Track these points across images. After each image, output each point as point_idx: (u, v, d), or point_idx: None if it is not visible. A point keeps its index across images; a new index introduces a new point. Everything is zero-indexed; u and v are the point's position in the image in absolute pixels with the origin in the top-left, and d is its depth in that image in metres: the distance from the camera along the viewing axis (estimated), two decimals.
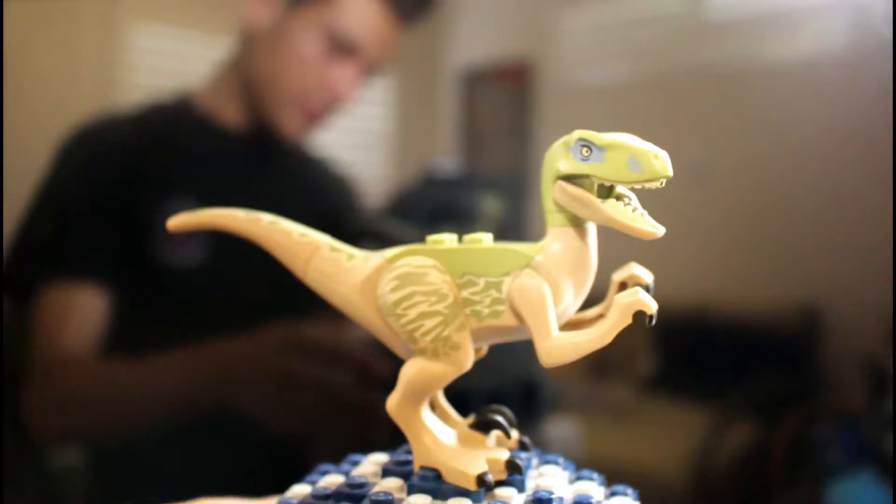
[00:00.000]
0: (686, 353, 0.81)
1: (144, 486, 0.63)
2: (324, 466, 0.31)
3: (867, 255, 0.68)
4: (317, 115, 0.72)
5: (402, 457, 0.29)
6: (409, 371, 0.27)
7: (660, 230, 0.25)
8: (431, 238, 0.28)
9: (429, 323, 0.26)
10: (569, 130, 0.27)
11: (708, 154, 0.78)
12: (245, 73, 0.71)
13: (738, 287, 0.76)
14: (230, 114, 0.71)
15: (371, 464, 0.30)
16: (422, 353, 0.27)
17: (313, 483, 0.29)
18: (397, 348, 0.28)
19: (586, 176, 0.26)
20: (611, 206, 0.26)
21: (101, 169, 0.69)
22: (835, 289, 0.71)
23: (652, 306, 0.25)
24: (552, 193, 0.27)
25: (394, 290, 0.27)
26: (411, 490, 0.27)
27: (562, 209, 0.27)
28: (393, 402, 0.27)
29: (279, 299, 0.64)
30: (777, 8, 0.78)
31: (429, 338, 0.27)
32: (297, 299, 0.66)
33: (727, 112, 0.78)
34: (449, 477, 0.27)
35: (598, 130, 0.26)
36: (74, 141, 0.68)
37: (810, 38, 0.75)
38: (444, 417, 0.30)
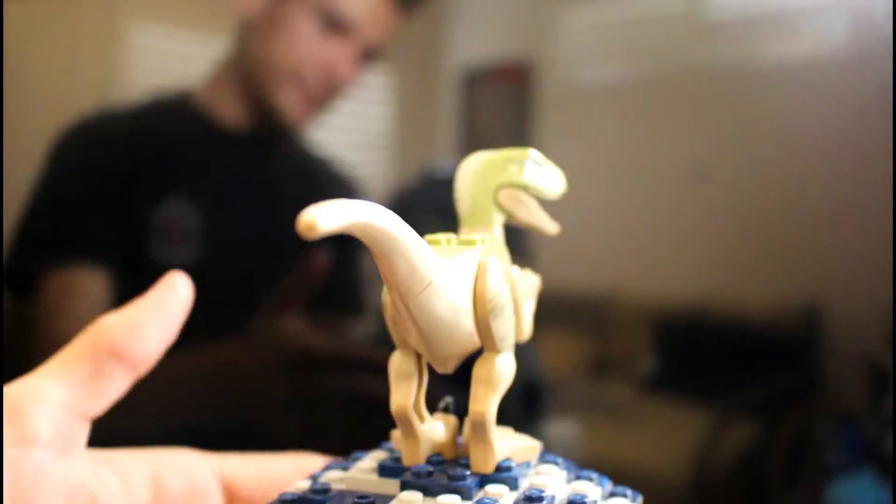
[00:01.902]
0: (686, 353, 0.81)
1: None
2: (330, 464, 0.31)
3: (867, 255, 0.68)
4: (316, 97, 0.72)
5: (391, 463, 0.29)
6: (506, 368, 0.27)
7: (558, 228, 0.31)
8: (429, 238, 0.28)
9: (529, 313, 0.29)
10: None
11: (708, 154, 0.78)
12: (242, 64, 0.71)
13: (739, 287, 0.76)
14: (229, 109, 0.71)
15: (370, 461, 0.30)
16: (509, 348, 0.27)
17: (315, 479, 0.29)
18: (454, 354, 0.27)
19: (525, 187, 0.30)
20: (542, 212, 0.31)
21: (98, 163, 0.69)
22: (835, 289, 0.71)
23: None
24: (497, 198, 0.30)
25: (503, 287, 0.27)
26: (404, 487, 0.27)
27: (500, 212, 0.30)
28: (492, 408, 0.26)
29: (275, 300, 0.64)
30: (777, 8, 0.78)
31: (529, 327, 0.29)
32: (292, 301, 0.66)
33: (727, 112, 0.78)
34: (523, 456, 0.28)
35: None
36: (71, 135, 0.68)
37: (810, 38, 0.75)
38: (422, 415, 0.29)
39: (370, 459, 0.30)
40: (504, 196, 0.30)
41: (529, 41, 0.91)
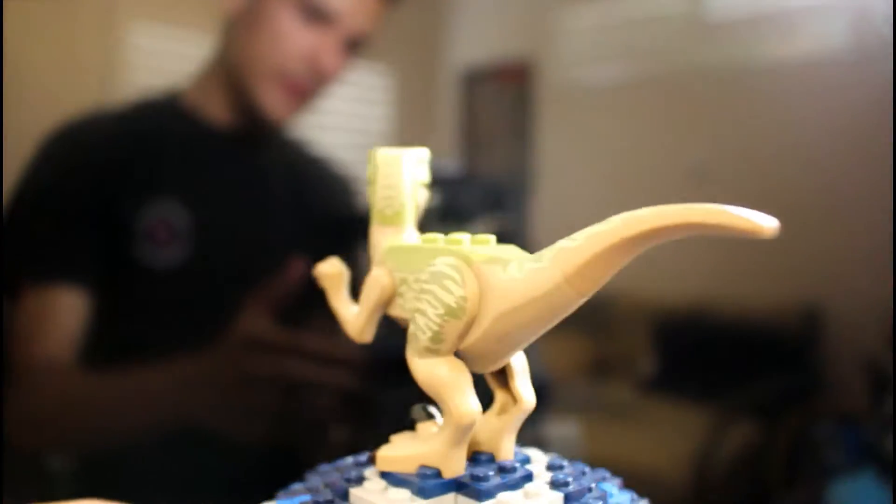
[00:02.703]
0: (686, 353, 0.81)
1: (134, 493, 0.63)
2: (323, 467, 0.30)
3: (867, 255, 0.68)
4: (301, 90, 0.71)
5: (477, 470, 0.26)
6: None
7: None
8: (425, 237, 0.28)
9: None
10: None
11: (708, 154, 0.78)
12: (227, 62, 0.71)
13: (739, 287, 0.76)
14: (216, 109, 0.70)
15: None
16: None
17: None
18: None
19: (426, 187, 0.31)
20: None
21: (83, 166, 0.68)
22: (835, 289, 0.71)
23: None
24: (416, 196, 0.30)
25: None
26: (482, 496, 0.25)
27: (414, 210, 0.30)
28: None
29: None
30: (777, 8, 0.78)
31: None
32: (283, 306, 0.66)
33: (727, 112, 0.78)
34: None
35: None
36: (56, 138, 0.68)
37: (810, 38, 0.75)
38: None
39: (378, 491, 0.26)
40: (419, 195, 0.30)
41: (529, 41, 0.91)
